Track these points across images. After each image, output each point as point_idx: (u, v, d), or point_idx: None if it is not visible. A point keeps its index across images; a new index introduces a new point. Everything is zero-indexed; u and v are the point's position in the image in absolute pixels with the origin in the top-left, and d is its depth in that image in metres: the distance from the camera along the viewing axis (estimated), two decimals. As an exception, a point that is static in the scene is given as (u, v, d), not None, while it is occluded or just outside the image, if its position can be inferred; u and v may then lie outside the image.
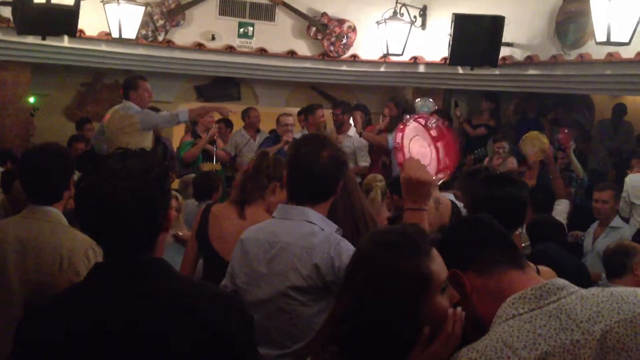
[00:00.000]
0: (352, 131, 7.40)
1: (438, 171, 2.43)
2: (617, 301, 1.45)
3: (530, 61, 7.08)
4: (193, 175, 5.94)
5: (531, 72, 7.20)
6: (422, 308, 1.62)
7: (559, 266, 3.84)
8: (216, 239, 3.16)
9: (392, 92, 8.96)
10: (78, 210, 1.70)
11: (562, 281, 1.55)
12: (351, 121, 7.43)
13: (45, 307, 1.73)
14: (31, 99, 7.99)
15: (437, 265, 1.66)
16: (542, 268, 2.65)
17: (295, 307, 2.39)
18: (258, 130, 8.15)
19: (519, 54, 7.24)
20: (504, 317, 1.50)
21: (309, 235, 2.41)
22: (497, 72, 7.37)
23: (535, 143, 6.45)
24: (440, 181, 3.76)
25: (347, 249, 2.35)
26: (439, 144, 3.57)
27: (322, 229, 2.44)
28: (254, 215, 3.09)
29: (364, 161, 7.27)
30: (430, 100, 8.88)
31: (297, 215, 2.47)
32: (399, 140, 2.42)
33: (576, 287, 1.55)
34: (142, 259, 1.69)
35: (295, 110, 8.29)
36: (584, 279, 3.98)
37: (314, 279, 2.36)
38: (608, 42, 5.54)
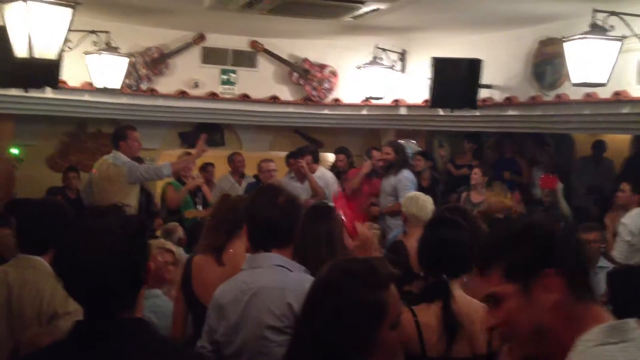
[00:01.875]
0: (320, 171, 7.47)
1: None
2: None
3: (509, 102, 7.19)
4: (175, 223, 5.89)
5: (510, 112, 7.32)
6: (375, 339, 1.62)
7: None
8: (198, 285, 3.19)
9: (375, 135, 9.05)
10: (57, 270, 1.67)
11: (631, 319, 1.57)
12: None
13: None
14: (14, 150, 7.95)
15: (395, 300, 1.66)
16: None
17: (273, 348, 2.41)
18: (243, 175, 8.16)
19: (498, 96, 7.35)
20: (595, 342, 1.49)
21: (281, 276, 2.48)
22: (477, 113, 7.47)
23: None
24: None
25: None
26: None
27: (291, 271, 2.51)
28: (232, 259, 3.14)
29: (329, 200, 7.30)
30: (413, 141, 8.97)
31: (265, 261, 2.54)
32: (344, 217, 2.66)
33: None
34: (121, 320, 1.65)
35: (279, 154, 8.34)
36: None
37: (289, 317, 2.40)
38: (585, 84, 5.63)
